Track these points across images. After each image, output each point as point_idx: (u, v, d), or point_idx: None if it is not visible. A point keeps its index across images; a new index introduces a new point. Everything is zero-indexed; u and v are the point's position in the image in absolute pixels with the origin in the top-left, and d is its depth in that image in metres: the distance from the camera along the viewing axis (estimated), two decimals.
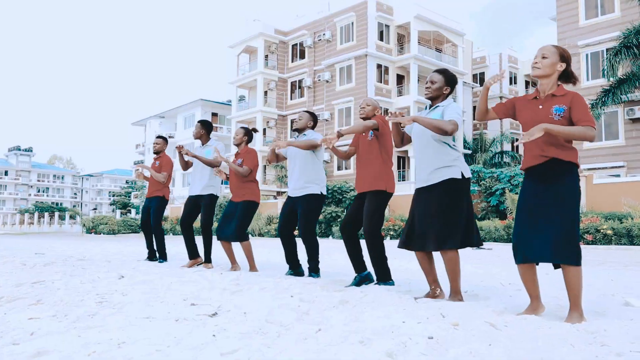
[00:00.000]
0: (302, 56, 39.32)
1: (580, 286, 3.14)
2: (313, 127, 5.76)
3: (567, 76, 3.44)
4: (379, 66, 35.04)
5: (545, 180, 3.29)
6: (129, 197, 68.28)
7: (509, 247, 14.02)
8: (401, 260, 8.03)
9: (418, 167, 4.10)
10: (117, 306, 3.57)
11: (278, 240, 17.48)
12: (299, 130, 5.76)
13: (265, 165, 38.99)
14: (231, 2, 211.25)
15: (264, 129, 39.25)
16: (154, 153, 8.29)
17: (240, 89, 42.71)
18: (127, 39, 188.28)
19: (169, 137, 47.42)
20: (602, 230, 14.49)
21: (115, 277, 5.10)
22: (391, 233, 19.40)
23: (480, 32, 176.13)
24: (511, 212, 18.07)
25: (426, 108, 4.24)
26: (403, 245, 4.07)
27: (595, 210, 16.55)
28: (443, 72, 4.16)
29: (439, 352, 2.26)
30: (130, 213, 56.75)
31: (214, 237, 6.83)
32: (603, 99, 21.51)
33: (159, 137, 8.27)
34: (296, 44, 39.90)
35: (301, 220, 5.50)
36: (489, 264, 8.00)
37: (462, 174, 3.94)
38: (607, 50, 23.48)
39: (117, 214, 46.92)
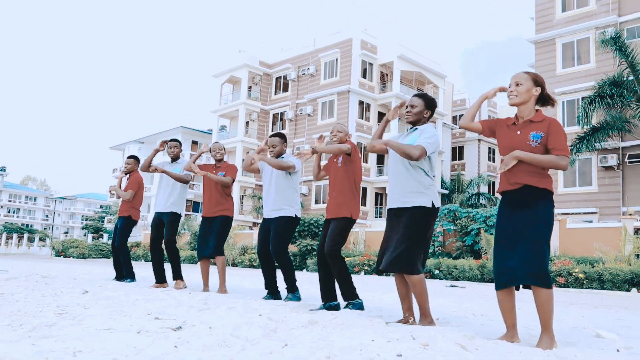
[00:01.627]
0: (286, 89, 39.63)
1: (551, 309, 3.13)
2: (285, 149, 5.88)
3: (544, 99, 3.48)
4: (361, 103, 35.42)
5: (519, 206, 3.31)
6: (103, 221, 67.09)
7: (483, 286, 14.01)
8: (374, 293, 7.94)
9: (391, 186, 4.10)
10: (77, 318, 3.43)
11: (252, 271, 17.25)
12: (277, 156, 5.79)
13: (242, 196, 38.79)
14: (217, 32, 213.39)
15: (243, 160, 39.15)
16: (125, 173, 8.20)
17: (222, 119, 42.76)
18: (109, 62, 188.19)
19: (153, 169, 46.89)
20: (574, 274, 14.57)
21: (79, 292, 4.93)
22: (366, 268, 19.27)
23: (464, 75, 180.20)
24: (486, 252, 18.11)
25: (406, 130, 4.25)
26: (378, 267, 4.03)
27: (568, 254, 16.68)
28: (422, 96, 4.19)
29: None
30: (103, 238, 55.68)
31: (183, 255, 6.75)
32: (578, 146, 21.98)
33: (130, 157, 8.22)
34: (280, 77, 40.24)
35: (273, 240, 5.48)
36: (462, 299, 7.95)
37: (433, 203, 3.95)
38: (582, 98, 24.09)
39: (88, 237, 46.00)
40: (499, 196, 3.74)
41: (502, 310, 3.34)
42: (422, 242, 3.87)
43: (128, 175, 8.13)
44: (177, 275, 7.00)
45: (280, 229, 5.51)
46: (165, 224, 6.97)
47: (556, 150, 3.24)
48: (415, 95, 4.21)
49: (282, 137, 5.87)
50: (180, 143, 7.37)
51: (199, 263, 6.62)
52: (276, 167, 5.48)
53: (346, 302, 4.81)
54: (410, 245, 3.80)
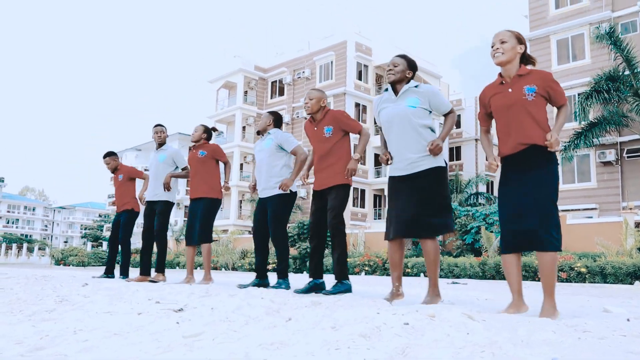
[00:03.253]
0: (281, 93, 39.64)
1: (554, 274, 3.10)
2: (277, 127, 5.69)
3: (526, 59, 3.44)
4: (357, 105, 35.43)
5: (525, 168, 3.24)
6: (101, 230, 66.94)
7: (485, 283, 13.95)
8: (376, 288, 7.89)
9: (397, 154, 3.97)
10: (77, 304, 3.38)
11: (252, 275, 17.16)
12: (261, 132, 5.69)
13: (240, 200, 38.72)
14: (211, 38, 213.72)
15: (241, 164, 39.13)
16: (112, 172, 8.10)
17: (218, 124, 42.71)
18: (106, 71, 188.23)
19: (145, 169, 46.87)
20: (576, 268, 14.53)
21: (78, 284, 4.88)
22: (366, 269, 19.21)
23: (461, 74, 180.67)
24: (486, 250, 18.07)
25: (387, 90, 4.15)
26: (394, 234, 3.88)
27: (569, 250, 16.64)
28: (404, 56, 4.14)
29: (415, 335, 2.14)
30: (102, 246, 55.52)
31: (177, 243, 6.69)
32: (575, 142, 21.97)
33: (106, 155, 8.08)
34: (275, 81, 40.26)
35: (271, 221, 5.36)
36: (466, 291, 7.91)
37: (445, 161, 3.96)
38: (578, 94, 24.11)
39: (88, 246, 45.85)
40: (496, 176, 3.68)
41: (507, 274, 3.30)
42: (449, 201, 3.88)
43: (120, 177, 7.99)
44: (160, 268, 6.85)
45: (277, 209, 5.37)
46: (157, 214, 6.84)
47: (561, 100, 3.31)
48: (397, 56, 4.15)
49: (273, 114, 5.77)
50: (165, 128, 7.21)
51: (185, 248, 6.48)
52: (299, 168, 5.44)
53: (336, 281, 4.71)
54: (438, 208, 3.78)
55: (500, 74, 3.45)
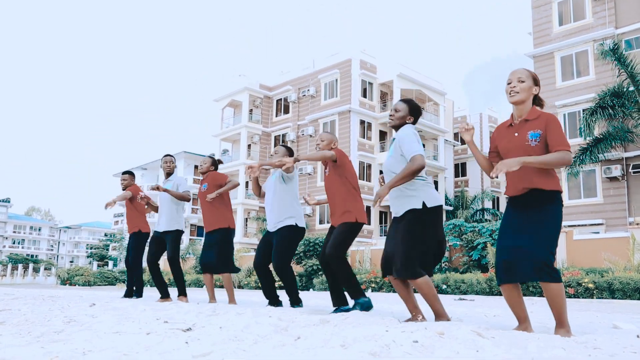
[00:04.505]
0: (287, 111, 39.82)
1: (563, 303, 3.05)
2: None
3: (538, 100, 3.41)
4: (362, 122, 35.53)
5: (527, 208, 3.22)
6: (107, 249, 66.93)
7: (492, 299, 13.87)
8: (383, 304, 7.85)
9: (390, 200, 4.04)
10: (85, 325, 3.38)
11: (259, 293, 17.11)
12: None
13: (246, 218, 38.72)
14: (216, 57, 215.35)
15: (247, 182, 39.20)
16: (123, 190, 8.19)
17: (224, 142, 42.91)
18: (111, 89, 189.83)
19: (152, 189, 47.01)
20: (583, 284, 14.44)
21: (86, 305, 4.88)
22: (372, 285, 19.13)
23: (468, 93, 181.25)
24: (493, 266, 17.98)
25: (392, 140, 4.19)
26: (382, 272, 4.02)
27: (576, 266, 16.54)
28: (407, 101, 4.14)
29: (424, 354, 2.14)
30: (108, 265, 55.51)
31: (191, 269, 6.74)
32: (581, 157, 21.94)
33: (125, 172, 8.19)
34: (280, 99, 40.48)
35: (274, 251, 5.39)
36: (473, 308, 7.86)
37: (424, 204, 3.81)
38: (583, 110, 24.13)
39: (94, 265, 45.87)
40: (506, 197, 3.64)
41: (510, 304, 3.26)
42: (419, 244, 3.75)
43: (130, 195, 8.07)
44: (182, 292, 6.96)
45: (282, 241, 5.41)
46: (169, 242, 6.98)
47: (557, 146, 3.13)
48: (401, 100, 4.16)
49: (288, 149, 5.78)
50: (174, 158, 7.39)
51: (203, 276, 6.59)
52: (273, 166, 5.02)
53: (354, 302, 4.72)
54: (406, 249, 3.72)
55: (512, 114, 3.42)
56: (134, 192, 7.98)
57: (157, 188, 6.92)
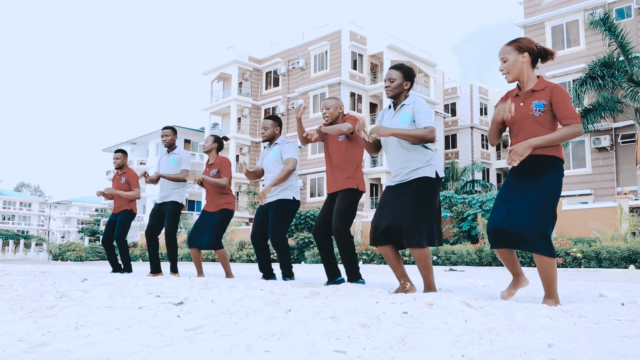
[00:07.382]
0: (276, 84, 39.55)
1: (553, 276, 3.08)
2: (280, 132, 5.75)
3: (542, 56, 3.34)
4: (352, 94, 35.38)
5: (527, 176, 3.20)
6: (98, 224, 66.84)
7: (481, 269, 14.03)
8: (374, 276, 7.93)
9: (392, 168, 3.94)
10: (77, 300, 3.39)
11: (251, 266, 17.23)
12: (270, 140, 5.71)
13: (237, 192, 38.72)
14: (205, 29, 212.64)
15: (237, 155, 39.10)
16: (116, 168, 8.08)
17: (213, 116, 42.64)
18: (99, 64, 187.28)
19: (141, 163, 46.86)
20: (571, 254, 14.64)
21: (78, 280, 4.89)
22: (364, 257, 19.29)
23: (459, 62, 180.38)
24: (483, 237, 18.16)
25: (390, 107, 4.08)
26: (374, 241, 3.89)
27: (565, 236, 16.75)
28: (399, 67, 4.01)
29: (414, 324, 2.17)
30: (99, 241, 55.48)
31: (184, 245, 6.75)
32: None
33: (118, 151, 8.07)
34: (270, 72, 40.15)
35: (270, 223, 5.40)
36: (463, 278, 7.96)
37: (437, 173, 3.82)
38: (573, 81, 24.14)
39: (85, 240, 45.85)
40: (495, 183, 3.58)
41: (505, 263, 3.33)
42: (431, 213, 3.73)
43: (122, 179, 7.99)
44: (174, 269, 6.94)
45: (278, 213, 5.41)
46: (166, 215, 6.87)
47: (566, 119, 3.12)
48: (392, 68, 4.01)
49: (275, 119, 5.79)
50: (173, 130, 7.13)
51: (190, 250, 6.55)
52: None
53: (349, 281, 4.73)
54: (416, 218, 3.66)
55: (517, 85, 3.38)
56: (134, 182, 7.94)
57: (157, 178, 6.82)
